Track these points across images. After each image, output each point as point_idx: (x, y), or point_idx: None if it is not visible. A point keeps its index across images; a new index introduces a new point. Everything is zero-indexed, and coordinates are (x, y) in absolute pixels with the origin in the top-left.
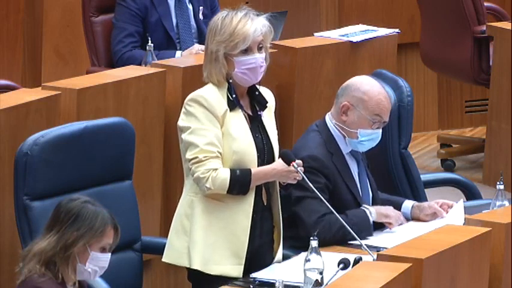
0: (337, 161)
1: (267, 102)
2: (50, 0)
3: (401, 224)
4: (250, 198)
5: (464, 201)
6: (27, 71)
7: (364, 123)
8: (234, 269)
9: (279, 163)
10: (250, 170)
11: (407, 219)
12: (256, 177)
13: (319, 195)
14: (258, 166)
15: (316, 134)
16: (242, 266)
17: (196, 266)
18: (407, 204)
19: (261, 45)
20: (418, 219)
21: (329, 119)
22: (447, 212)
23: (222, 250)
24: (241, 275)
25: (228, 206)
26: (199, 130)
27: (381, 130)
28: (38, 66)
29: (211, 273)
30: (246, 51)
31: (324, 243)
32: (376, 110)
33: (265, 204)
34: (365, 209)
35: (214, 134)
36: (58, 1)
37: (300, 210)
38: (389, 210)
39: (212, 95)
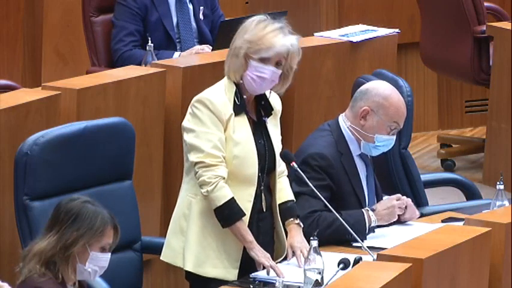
0: (346, 161)
1: (272, 109)
2: (50, 0)
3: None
4: (248, 204)
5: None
6: (27, 71)
7: (382, 129)
8: (230, 272)
9: (259, 250)
10: (244, 214)
11: None
12: (240, 227)
13: (318, 192)
14: (258, 172)
15: (327, 133)
16: (237, 270)
17: (189, 267)
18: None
19: (280, 61)
20: None
21: (343, 120)
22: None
23: (217, 253)
24: (236, 279)
25: None
26: (204, 134)
27: (395, 136)
28: (38, 66)
29: (206, 276)
30: (264, 60)
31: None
32: (396, 117)
33: (264, 211)
34: (364, 212)
35: (219, 138)
36: (58, 1)
37: (296, 204)
38: (385, 207)
39: (219, 98)
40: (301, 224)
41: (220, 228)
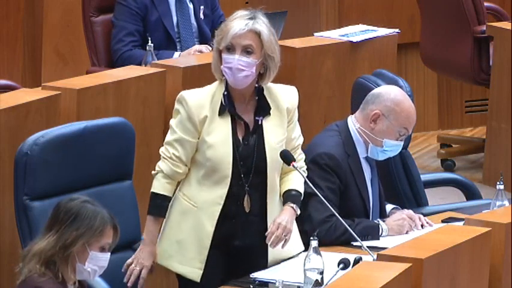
0: (353, 163)
1: (270, 109)
2: (50, 0)
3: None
4: (218, 207)
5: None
6: (27, 71)
7: (391, 134)
8: (194, 272)
9: (149, 251)
10: (158, 214)
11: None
12: (147, 223)
13: (319, 194)
14: (240, 173)
15: (335, 134)
16: (201, 271)
17: (156, 259)
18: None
19: (249, 50)
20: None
21: (352, 122)
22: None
23: (186, 251)
24: (198, 280)
25: (198, 210)
26: (171, 129)
27: (403, 142)
28: (38, 66)
29: (171, 270)
30: (229, 49)
31: (325, 243)
32: (406, 123)
33: (247, 211)
34: (377, 222)
35: (177, 138)
36: (58, 1)
37: (309, 205)
38: (396, 224)
39: (196, 98)
40: (298, 211)
41: (194, 227)
